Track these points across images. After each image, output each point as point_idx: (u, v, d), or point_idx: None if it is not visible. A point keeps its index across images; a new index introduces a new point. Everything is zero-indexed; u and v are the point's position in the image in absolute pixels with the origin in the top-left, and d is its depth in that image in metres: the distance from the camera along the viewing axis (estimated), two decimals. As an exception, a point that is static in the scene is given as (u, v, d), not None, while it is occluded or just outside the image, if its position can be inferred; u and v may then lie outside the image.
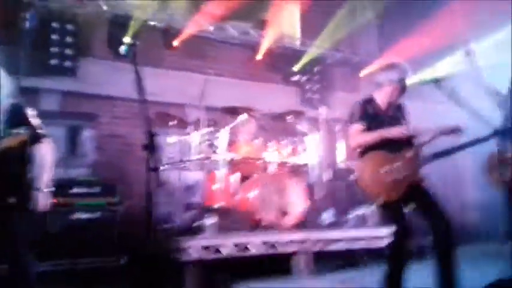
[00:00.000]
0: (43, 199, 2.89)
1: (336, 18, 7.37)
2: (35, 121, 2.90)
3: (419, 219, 3.52)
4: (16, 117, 2.81)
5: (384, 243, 4.09)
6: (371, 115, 3.47)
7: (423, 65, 7.07)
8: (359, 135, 3.45)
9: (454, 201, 6.26)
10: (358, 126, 3.46)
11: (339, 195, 6.12)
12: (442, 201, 3.42)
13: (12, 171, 2.78)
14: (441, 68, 7.25)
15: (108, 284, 4.11)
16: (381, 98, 3.55)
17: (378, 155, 3.42)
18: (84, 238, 4.59)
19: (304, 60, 7.50)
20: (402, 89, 3.53)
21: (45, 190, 2.91)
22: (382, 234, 4.98)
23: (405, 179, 3.35)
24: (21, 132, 2.77)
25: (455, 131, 3.48)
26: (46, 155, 2.92)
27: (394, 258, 3.42)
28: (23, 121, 2.84)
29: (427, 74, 6.91)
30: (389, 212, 3.46)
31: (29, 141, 2.86)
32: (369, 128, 3.45)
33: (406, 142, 3.46)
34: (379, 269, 3.44)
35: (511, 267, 3.17)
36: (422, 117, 4.48)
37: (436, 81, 3.44)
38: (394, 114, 3.57)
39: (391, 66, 3.58)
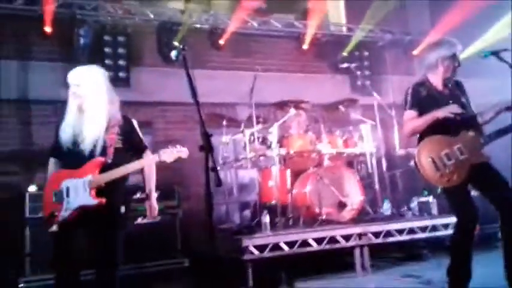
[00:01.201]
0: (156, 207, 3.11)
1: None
2: (140, 132, 3.09)
3: (487, 203, 3.35)
4: (127, 129, 2.99)
5: (448, 232, 3.91)
6: (425, 98, 3.36)
7: (476, 33, 6.70)
8: (411, 121, 3.35)
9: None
10: (410, 113, 3.37)
11: (399, 183, 5.92)
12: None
13: (122, 182, 2.94)
14: (494, 34, 6.79)
15: (174, 287, 4.25)
16: (435, 77, 3.42)
17: (436, 139, 3.29)
18: (147, 242, 4.77)
19: (352, 44, 7.26)
20: (456, 64, 3.39)
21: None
22: (447, 223, 4.77)
23: (467, 161, 3.21)
24: (182, 149, 2.97)
25: None
26: (153, 165, 3.11)
27: (458, 249, 3.28)
28: (133, 133, 3.04)
29: (481, 43, 6.52)
30: (453, 198, 3.30)
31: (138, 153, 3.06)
32: (425, 111, 3.33)
33: (466, 122, 3.29)
34: (443, 261, 3.30)
35: None
36: (482, 94, 4.23)
37: (496, 54, 3.26)
38: (452, 92, 3.41)
39: (439, 43, 3.44)
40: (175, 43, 6.26)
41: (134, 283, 4.65)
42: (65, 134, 2.89)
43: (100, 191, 2.82)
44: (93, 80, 2.95)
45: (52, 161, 3.02)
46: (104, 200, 2.80)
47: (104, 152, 2.87)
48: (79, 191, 2.80)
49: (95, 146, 2.86)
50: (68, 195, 2.81)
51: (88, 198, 2.80)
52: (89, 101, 2.91)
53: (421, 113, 3.35)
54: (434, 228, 4.97)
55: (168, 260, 4.69)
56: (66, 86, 6.15)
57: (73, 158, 2.86)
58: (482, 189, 3.34)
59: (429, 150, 3.27)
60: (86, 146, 2.86)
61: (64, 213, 2.78)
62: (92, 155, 2.85)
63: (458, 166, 3.19)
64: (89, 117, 2.89)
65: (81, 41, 5.98)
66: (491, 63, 3.32)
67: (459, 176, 3.19)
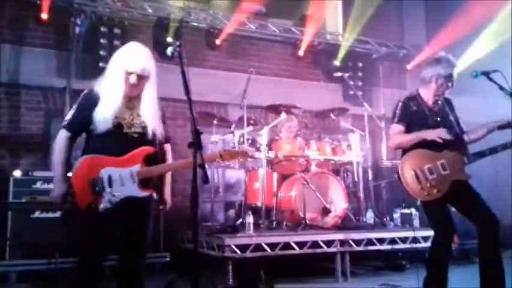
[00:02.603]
0: None
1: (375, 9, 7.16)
2: None
3: (465, 219, 3.43)
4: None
5: (428, 245, 3.97)
6: (414, 113, 3.42)
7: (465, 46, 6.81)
8: (398, 135, 3.40)
9: (505, 201, 5.98)
10: (397, 127, 3.43)
11: (383, 194, 5.98)
12: (490, 201, 3.31)
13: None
14: (480, 46, 6.90)
15: (152, 280, 4.23)
16: (427, 93, 3.48)
17: (420, 152, 3.36)
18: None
19: (342, 52, 7.31)
20: (450, 84, 3.43)
21: None
22: (428, 236, 4.82)
23: (449, 177, 3.27)
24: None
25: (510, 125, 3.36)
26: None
27: (435, 262, 3.34)
28: (163, 123, 2.93)
29: (469, 56, 6.64)
30: (432, 212, 3.36)
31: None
32: (412, 125, 3.40)
33: (452, 140, 3.34)
34: (420, 273, 3.36)
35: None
36: (472, 112, 4.30)
37: (486, 74, 3.30)
38: (441, 109, 3.47)
39: (438, 61, 3.47)
40: (170, 39, 6.27)
41: (114, 275, 4.65)
42: (106, 115, 2.64)
43: (144, 182, 2.68)
44: (154, 69, 2.81)
45: (67, 136, 2.74)
46: (150, 192, 2.71)
47: (152, 141, 2.76)
48: (125, 181, 2.62)
49: (142, 134, 2.72)
50: (110, 185, 2.60)
51: (137, 190, 2.64)
52: (150, 89, 2.79)
53: (408, 128, 3.41)
54: (414, 240, 5.02)
55: (150, 254, 4.66)
56: (59, 73, 6.13)
57: (115, 142, 2.66)
58: (462, 206, 3.41)
59: (413, 162, 3.34)
60: (134, 132, 2.70)
61: (106, 205, 2.58)
62: (139, 142, 2.70)
63: (440, 181, 3.26)
64: (146, 105, 2.75)
65: (77, 30, 5.93)
66: (485, 82, 3.35)
67: (439, 190, 3.26)
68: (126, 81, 2.70)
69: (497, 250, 3.22)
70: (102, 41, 6.13)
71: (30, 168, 5.15)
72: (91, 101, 2.71)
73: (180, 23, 6.45)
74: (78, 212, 2.65)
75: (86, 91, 2.80)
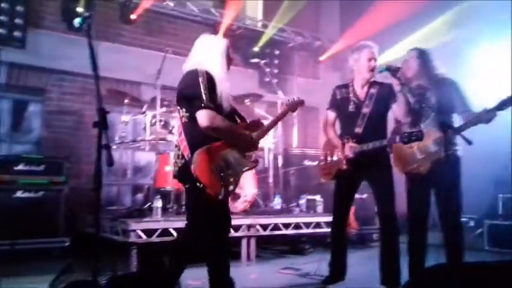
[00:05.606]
0: None
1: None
2: None
3: (363, 207, 3.70)
4: None
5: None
6: (339, 100, 3.66)
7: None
8: (329, 126, 3.74)
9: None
10: (328, 113, 3.75)
11: (291, 180, 6.17)
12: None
13: None
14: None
15: (49, 266, 4.00)
16: (356, 81, 3.63)
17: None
18: (26, 218, 4.45)
19: (263, 40, 7.39)
20: (369, 67, 3.51)
21: None
22: (330, 221, 5.08)
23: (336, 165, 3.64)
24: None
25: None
26: None
27: (333, 244, 3.76)
28: None
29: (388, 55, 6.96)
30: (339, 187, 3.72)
31: None
32: (340, 112, 3.67)
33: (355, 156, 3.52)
34: (323, 256, 3.55)
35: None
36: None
37: (389, 70, 3.33)
38: (369, 95, 3.54)
39: (358, 48, 3.62)
40: (80, 9, 5.87)
41: (8, 259, 4.31)
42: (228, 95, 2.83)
43: None
44: None
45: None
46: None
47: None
48: (240, 159, 2.84)
49: (233, 111, 2.96)
50: (228, 168, 2.77)
51: (248, 163, 2.86)
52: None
53: (338, 113, 3.69)
54: (317, 225, 5.29)
55: (48, 239, 4.43)
56: None
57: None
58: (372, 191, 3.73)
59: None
60: (225, 108, 2.80)
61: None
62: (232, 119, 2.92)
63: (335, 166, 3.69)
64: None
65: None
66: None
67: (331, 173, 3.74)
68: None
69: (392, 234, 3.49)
70: (2, 5, 5.56)
71: None
72: (213, 82, 2.73)
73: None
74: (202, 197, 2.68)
75: (204, 73, 2.73)
